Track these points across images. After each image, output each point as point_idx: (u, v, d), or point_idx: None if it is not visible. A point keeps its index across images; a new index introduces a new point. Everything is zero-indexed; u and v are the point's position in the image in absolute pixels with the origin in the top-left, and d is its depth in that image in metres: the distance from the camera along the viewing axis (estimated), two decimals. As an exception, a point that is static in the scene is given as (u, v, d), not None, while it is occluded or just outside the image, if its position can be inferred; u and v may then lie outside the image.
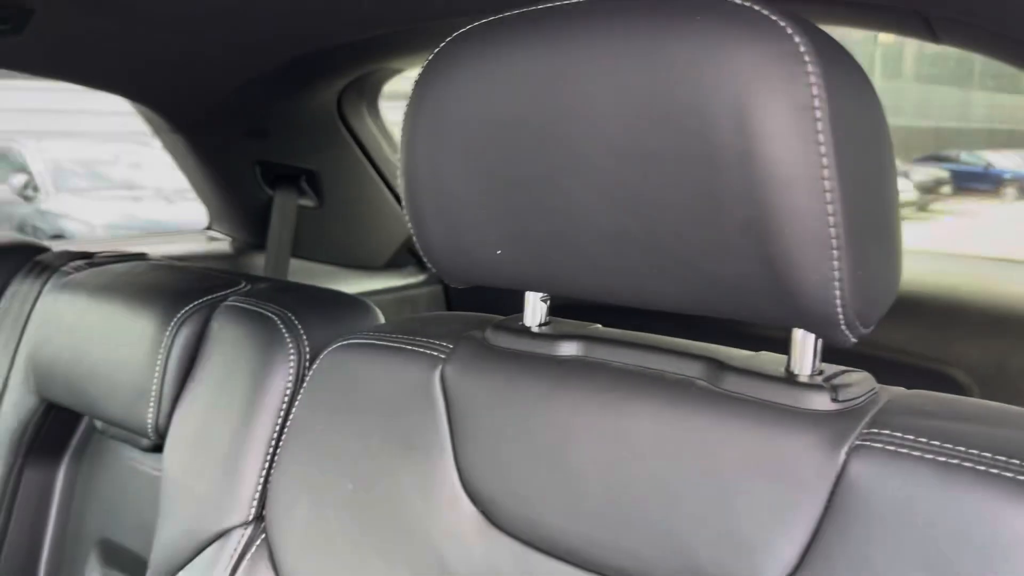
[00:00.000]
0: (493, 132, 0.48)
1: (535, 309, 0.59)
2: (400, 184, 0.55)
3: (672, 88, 0.40)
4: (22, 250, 1.05)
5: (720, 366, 0.50)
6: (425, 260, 0.56)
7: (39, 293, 0.95)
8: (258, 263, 1.76)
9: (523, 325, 0.59)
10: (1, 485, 0.93)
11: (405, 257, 1.92)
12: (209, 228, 1.86)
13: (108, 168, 6.37)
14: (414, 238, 0.56)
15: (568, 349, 0.56)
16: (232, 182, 1.70)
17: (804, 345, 0.47)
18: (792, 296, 0.42)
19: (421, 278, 1.92)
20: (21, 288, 0.98)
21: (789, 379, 0.48)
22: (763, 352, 0.51)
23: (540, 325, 0.59)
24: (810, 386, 0.47)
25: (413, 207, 0.54)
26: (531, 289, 0.56)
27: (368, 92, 1.73)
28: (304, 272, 1.77)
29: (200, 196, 1.77)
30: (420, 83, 0.51)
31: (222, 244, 1.82)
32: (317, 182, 1.72)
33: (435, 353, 0.60)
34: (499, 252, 0.52)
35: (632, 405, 0.50)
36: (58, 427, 0.95)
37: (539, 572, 0.53)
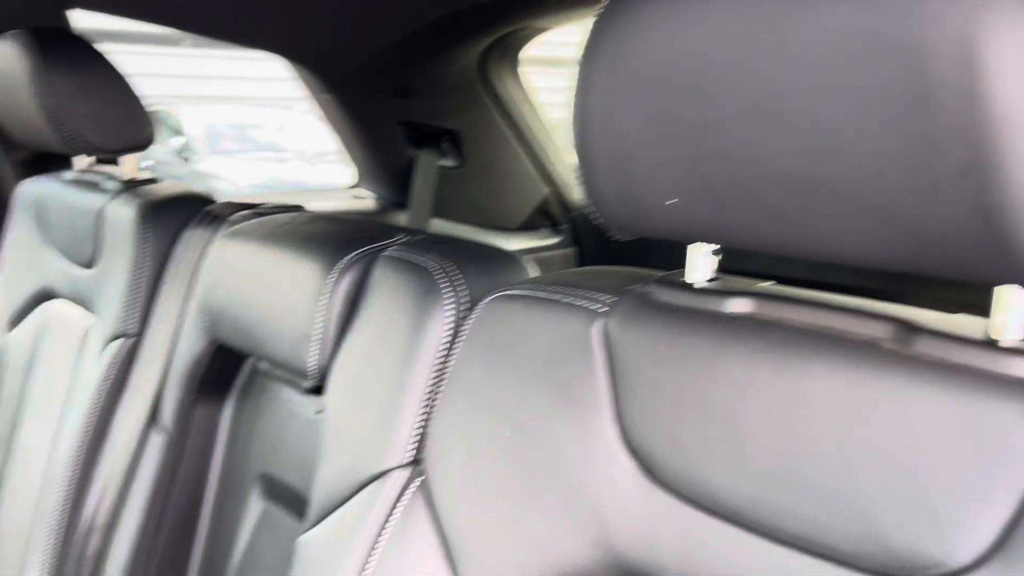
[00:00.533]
0: (676, 74, 0.46)
1: (703, 264, 0.57)
2: (572, 131, 0.54)
3: (885, 19, 0.37)
4: (193, 201, 1.12)
5: (909, 328, 0.47)
6: (593, 211, 0.55)
7: (209, 241, 1.01)
8: (400, 222, 1.80)
9: (688, 280, 0.57)
10: (174, 419, 1.00)
11: (539, 219, 1.92)
12: (354, 187, 1.92)
13: (255, 132, 6.70)
14: (583, 188, 0.55)
15: (738, 306, 0.54)
16: (378, 141, 1.74)
17: (1015, 306, 0.43)
18: (1013, 250, 0.38)
19: (554, 240, 1.92)
20: (194, 236, 1.05)
21: (991, 343, 0.44)
22: (960, 314, 0.48)
23: (708, 281, 0.57)
24: (1019, 351, 0.43)
25: (584, 155, 0.53)
26: (704, 240, 0.54)
27: (510, 53, 1.73)
28: (442, 231, 1.80)
29: (348, 155, 1.83)
30: (598, 25, 0.50)
31: (367, 202, 1.88)
32: (458, 142, 1.75)
33: (595, 307, 0.60)
34: (673, 201, 0.50)
35: (810, 366, 0.48)
36: (225, 367, 1.01)
37: (700, 531, 0.52)
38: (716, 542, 0.51)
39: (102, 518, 1.00)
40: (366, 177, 1.87)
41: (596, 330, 0.58)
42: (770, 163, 0.44)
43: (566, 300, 0.62)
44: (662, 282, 0.58)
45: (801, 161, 0.43)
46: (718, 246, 0.56)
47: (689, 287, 0.57)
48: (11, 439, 1.22)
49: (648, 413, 0.54)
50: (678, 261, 0.59)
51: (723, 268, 0.58)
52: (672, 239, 0.53)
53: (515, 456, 0.61)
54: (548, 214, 1.91)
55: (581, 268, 0.70)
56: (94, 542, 1.00)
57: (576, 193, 1.89)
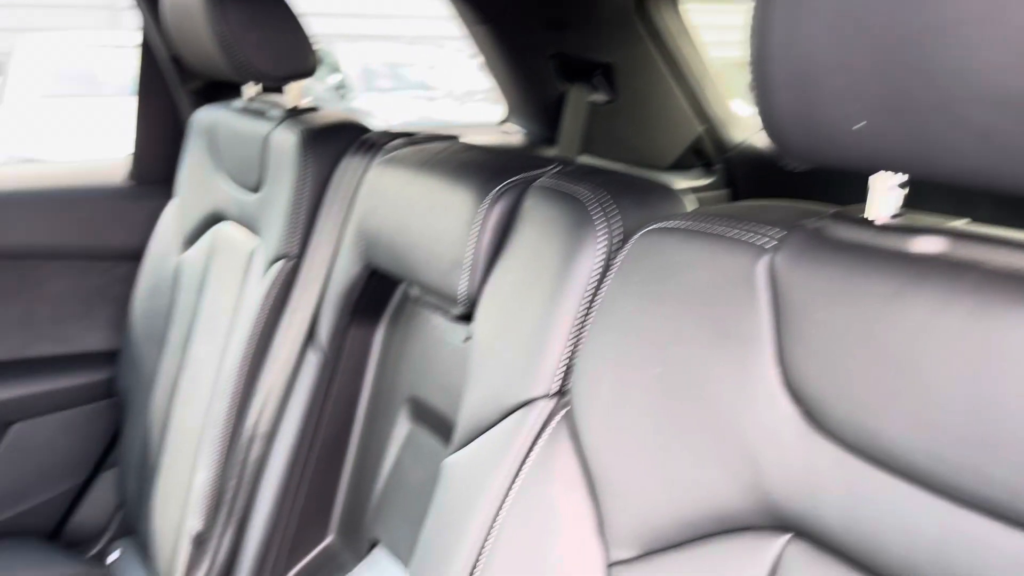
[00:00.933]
0: None
1: (886, 197, 0.52)
2: (749, 50, 0.50)
3: None
4: (352, 128, 1.14)
5: None
6: (768, 138, 0.51)
7: (367, 168, 1.03)
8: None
9: (868, 216, 0.53)
10: (329, 339, 1.05)
11: (691, 158, 1.85)
12: (503, 122, 1.92)
13: (407, 70, 6.82)
14: (758, 113, 0.51)
15: (926, 245, 0.49)
16: (529, 74, 1.72)
17: None
18: None
19: (707, 181, 1.84)
20: (351, 163, 1.07)
21: None
22: None
23: (891, 217, 0.52)
24: None
25: (760, 74, 0.49)
26: (892, 169, 0.49)
27: (669, -18, 1.65)
28: (592, 168, 1.77)
29: (500, 88, 1.83)
30: None
31: (515, 137, 1.87)
32: (611, 77, 1.70)
33: (761, 241, 0.56)
34: (860, 125, 0.45)
35: (1009, 312, 0.43)
36: (378, 292, 1.04)
37: (867, 485, 0.48)
38: (886, 498, 0.47)
39: (263, 427, 1.07)
40: (515, 111, 1.86)
41: (762, 266, 0.55)
42: (983, 80, 0.39)
43: (729, 234, 0.58)
44: (838, 217, 0.54)
45: None
46: (905, 178, 0.51)
47: (869, 223, 0.52)
48: (184, 351, 1.32)
49: (815, 356, 0.51)
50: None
51: (904, 205, 0.53)
52: (855, 168, 0.49)
53: (666, 393, 0.59)
54: (701, 153, 1.84)
55: (744, 202, 0.66)
56: (256, 449, 1.07)
57: (732, 131, 1.80)
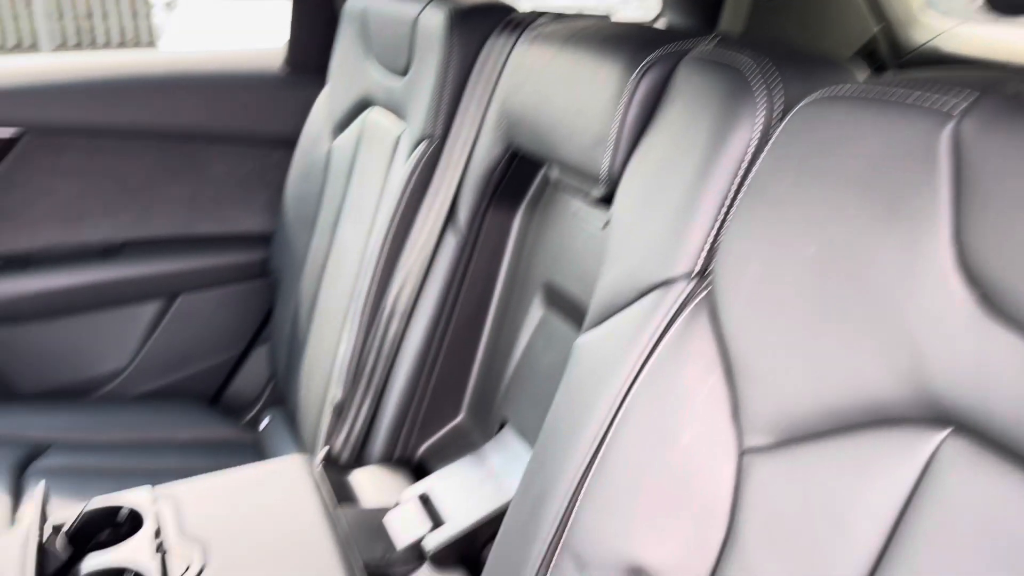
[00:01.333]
0: None
1: None
2: None
3: None
4: (498, 9, 1.11)
5: None
6: None
7: (512, 47, 1.01)
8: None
9: None
10: (469, 222, 1.05)
11: (862, 62, 1.70)
12: (657, 18, 1.82)
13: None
14: None
15: None
16: (690, -36, 1.62)
17: None
18: None
19: (879, 88, 1.69)
20: (496, 43, 1.05)
21: None
22: None
23: None
24: None
25: None
26: None
27: None
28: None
29: (656, -21, 1.73)
30: None
31: (669, 34, 1.78)
32: (779, -33, 1.57)
33: (947, 107, 0.49)
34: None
35: None
36: (518, 175, 1.02)
37: None
38: None
39: (402, 305, 1.09)
40: (671, 6, 1.76)
41: (946, 134, 0.49)
42: None
43: (908, 100, 0.52)
44: None
45: None
46: None
47: None
48: (333, 234, 1.37)
49: (1001, 236, 0.45)
50: None
51: None
52: None
53: (819, 274, 0.54)
54: (874, 55, 1.69)
55: (926, 71, 0.58)
56: (395, 326, 1.10)
57: (912, 33, 1.64)
